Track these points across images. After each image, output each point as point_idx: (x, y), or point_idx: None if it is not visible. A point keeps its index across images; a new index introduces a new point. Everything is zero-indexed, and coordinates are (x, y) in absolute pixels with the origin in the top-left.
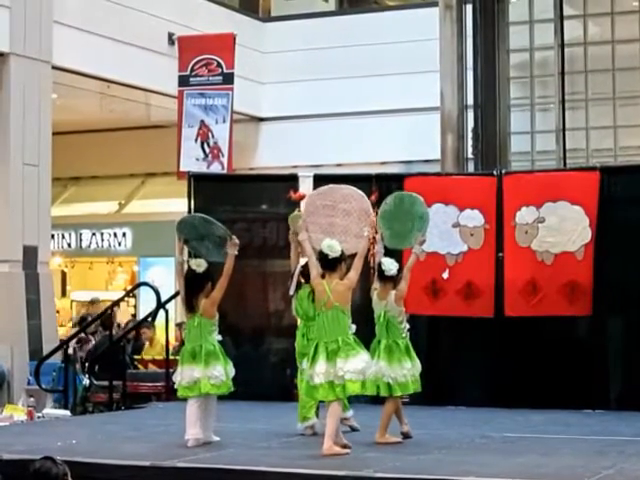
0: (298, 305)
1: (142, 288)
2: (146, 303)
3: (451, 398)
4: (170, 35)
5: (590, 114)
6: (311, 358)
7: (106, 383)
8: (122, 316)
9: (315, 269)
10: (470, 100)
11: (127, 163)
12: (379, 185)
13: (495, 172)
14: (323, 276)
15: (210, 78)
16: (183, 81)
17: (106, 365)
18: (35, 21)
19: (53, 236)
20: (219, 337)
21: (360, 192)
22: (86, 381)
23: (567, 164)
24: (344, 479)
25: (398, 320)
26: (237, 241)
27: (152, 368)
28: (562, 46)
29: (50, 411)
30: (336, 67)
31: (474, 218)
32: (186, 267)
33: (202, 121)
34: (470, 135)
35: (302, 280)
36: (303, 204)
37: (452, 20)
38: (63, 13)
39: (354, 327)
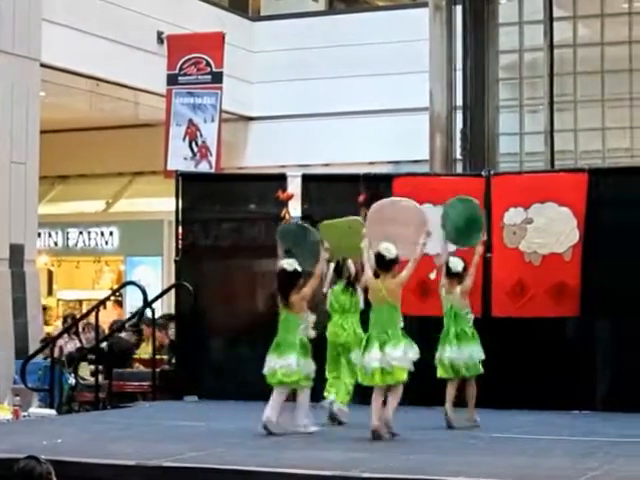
0: (334, 299)
1: (129, 287)
2: (133, 302)
3: (440, 399)
4: (159, 34)
5: (579, 116)
6: (364, 347)
7: (92, 382)
8: (108, 316)
9: (370, 270)
10: (459, 101)
11: (115, 162)
12: (367, 185)
13: (483, 173)
14: (377, 276)
15: (199, 77)
16: (172, 80)
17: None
18: (24, 18)
19: (40, 234)
20: (313, 333)
21: (417, 205)
22: (72, 380)
23: (555, 165)
24: (332, 479)
25: (464, 312)
26: (328, 246)
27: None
28: (551, 48)
29: (36, 410)
30: (325, 67)
31: None
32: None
33: (190, 120)
34: (459, 136)
35: (336, 277)
36: (368, 216)
37: (442, 21)
38: (52, 11)
39: (402, 321)
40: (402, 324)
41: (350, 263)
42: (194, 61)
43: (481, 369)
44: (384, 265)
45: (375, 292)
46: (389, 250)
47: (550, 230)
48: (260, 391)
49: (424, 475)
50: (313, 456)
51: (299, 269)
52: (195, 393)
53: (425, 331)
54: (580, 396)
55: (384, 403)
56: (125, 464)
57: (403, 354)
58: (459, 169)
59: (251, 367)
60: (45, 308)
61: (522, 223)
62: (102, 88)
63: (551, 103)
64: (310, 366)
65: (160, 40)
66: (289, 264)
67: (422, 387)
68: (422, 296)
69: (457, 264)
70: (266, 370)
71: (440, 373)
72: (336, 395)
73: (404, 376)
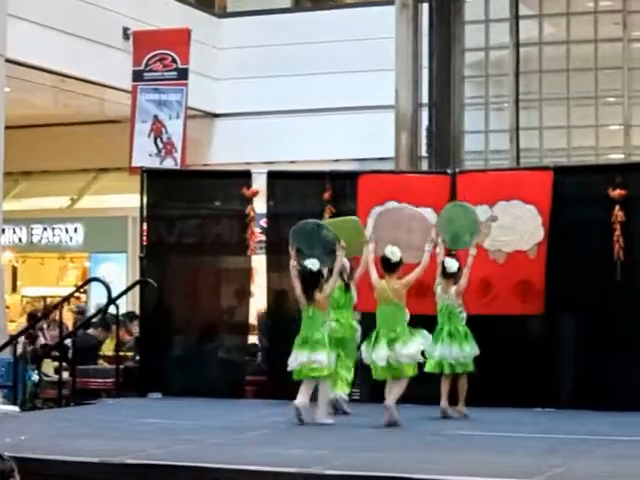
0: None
1: (93, 284)
2: (97, 299)
3: (403, 396)
4: (125, 30)
5: (544, 114)
6: (372, 344)
7: (56, 379)
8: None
9: (375, 273)
10: (425, 98)
11: (80, 158)
12: (333, 182)
13: (449, 171)
14: (382, 277)
15: (164, 73)
16: (137, 76)
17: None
18: None
19: (4, 231)
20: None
21: (421, 212)
22: (35, 377)
23: (521, 163)
24: (294, 476)
25: (458, 310)
26: (344, 244)
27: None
28: (517, 46)
29: None
30: (291, 64)
31: (427, 216)
32: (293, 269)
33: (156, 116)
34: (424, 133)
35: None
36: (370, 220)
37: (408, 19)
38: (17, 6)
39: (408, 317)
40: (408, 319)
41: (345, 260)
42: (160, 57)
43: (472, 366)
44: (389, 267)
45: (380, 292)
46: (394, 253)
47: (515, 228)
48: (224, 388)
49: (385, 472)
50: (277, 453)
51: (321, 268)
52: (159, 390)
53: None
54: (544, 394)
55: None
56: (88, 461)
57: (413, 352)
58: (424, 167)
59: (215, 364)
60: (7, 307)
61: (487, 221)
62: (67, 84)
63: (517, 101)
64: (335, 360)
65: (126, 36)
66: (312, 264)
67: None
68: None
69: (453, 265)
70: (296, 365)
71: (427, 368)
72: (334, 387)
73: (411, 371)
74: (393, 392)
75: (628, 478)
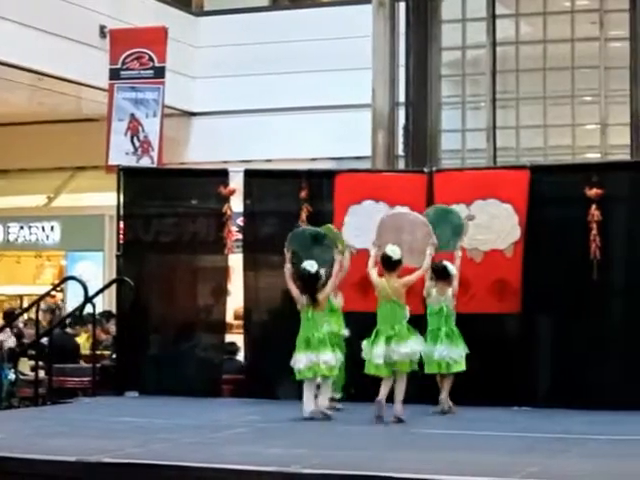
0: None
1: (70, 283)
2: (74, 298)
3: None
4: (102, 28)
5: (521, 113)
6: (372, 341)
7: (32, 377)
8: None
9: (375, 275)
10: (402, 97)
11: (57, 156)
12: (310, 181)
13: (426, 169)
14: (380, 275)
15: (141, 72)
16: (114, 74)
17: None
18: None
19: None
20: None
21: (423, 219)
22: (12, 376)
23: (497, 162)
24: (272, 475)
25: (452, 312)
26: (342, 248)
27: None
28: (494, 45)
29: None
30: (269, 63)
31: None
32: (287, 271)
33: (132, 115)
34: (401, 132)
35: None
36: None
37: (385, 17)
38: None
39: (408, 315)
40: (407, 317)
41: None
42: (137, 56)
43: (464, 365)
44: (390, 266)
45: (380, 291)
46: (395, 252)
47: (492, 227)
48: (201, 386)
49: (361, 471)
50: (254, 452)
51: (319, 270)
52: (136, 388)
53: (365, 327)
54: (521, 392)
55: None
56: (65, 460)
57: (409, 350)
58: (401, 165)
59: (192, 363)
60: None
61: (464, 220)
62: (45, 82)
63: (493, 100)
64: (341, 357)
65: (103, 34)
66: (311, 265)
67: (362, 384)
68: (363, 292)
69: (453, 268)
70: (302, 366)
71: (428, 369)
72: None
73: (406, 368)
74: (398, 396)
75: (603, 477)
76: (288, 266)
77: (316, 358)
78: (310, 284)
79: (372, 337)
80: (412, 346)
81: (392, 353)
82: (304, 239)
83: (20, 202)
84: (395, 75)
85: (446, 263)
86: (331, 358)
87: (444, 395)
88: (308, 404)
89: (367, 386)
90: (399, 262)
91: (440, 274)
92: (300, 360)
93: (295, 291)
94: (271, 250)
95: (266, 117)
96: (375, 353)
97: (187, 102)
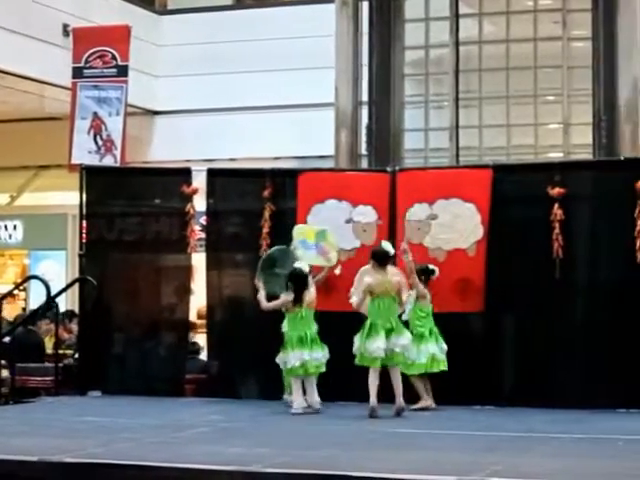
0: None
1: (32, 282)
2: (36, 297)
3: (343, 394)
4: (65, 26)
5: (484, 112)
6: (367, 334)
7: None
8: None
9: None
10: (365, 96)
11: (19, 155)
12: (273, 180)
13: (389, 169)
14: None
15: (104, 70)
16: (77, 73)
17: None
18: None
19: None
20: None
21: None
22: None
23: (460, 161)
24: (233, 474)
25: None
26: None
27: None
28: (457, 44)
29: None
30: (232, 61)
31: (367, 214)
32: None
33: (95, 113)
34: (364, 131)
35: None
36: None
37: (348, 16)
38: None
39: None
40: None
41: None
42: (100, 54)
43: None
44: (385, 261)
45: (379, 285)
46: (389, 247)
47: (454, 226)
48: (164, 386)
49: (324, 470)
50: (217, 451)
51: (309, 272)
52: (99, 388)
53: (327, 326)
54: (485, 391)
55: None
56: (27, 459)
57: (406, 342)
58: (364, 164)
59: (155, 362)
60: None
61: (427, 219)
62: (7, 81)
63: (456, 99)
64: (327, 354)
65: (66, 33)
66: (303, 265)
67: (325, 383)
68: (325, 291)
69: (435, 269)
70: (296, 363)
71: (427, 368)
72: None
73: (402, 359)
74: (397, 389)
75: (567, 475)
76: (262, 293)
77: (309, 356)
78: (302, 284)
79: (365, 331)
80: (408, 338)
81: (393, 345)
82: (268, 264)
83: None
84: (358, 74)
85: (432, 267)
86: (322, 356)
87: (429, 400)
88: (299, 400)
89: (334, 384)
90: (392, 258)
91: (430, 276)
92: (293, 358)
93: (279, 302)
94: (234, 249)
95: (229, 116)
96: (375, 346)
97: (150, 101)
